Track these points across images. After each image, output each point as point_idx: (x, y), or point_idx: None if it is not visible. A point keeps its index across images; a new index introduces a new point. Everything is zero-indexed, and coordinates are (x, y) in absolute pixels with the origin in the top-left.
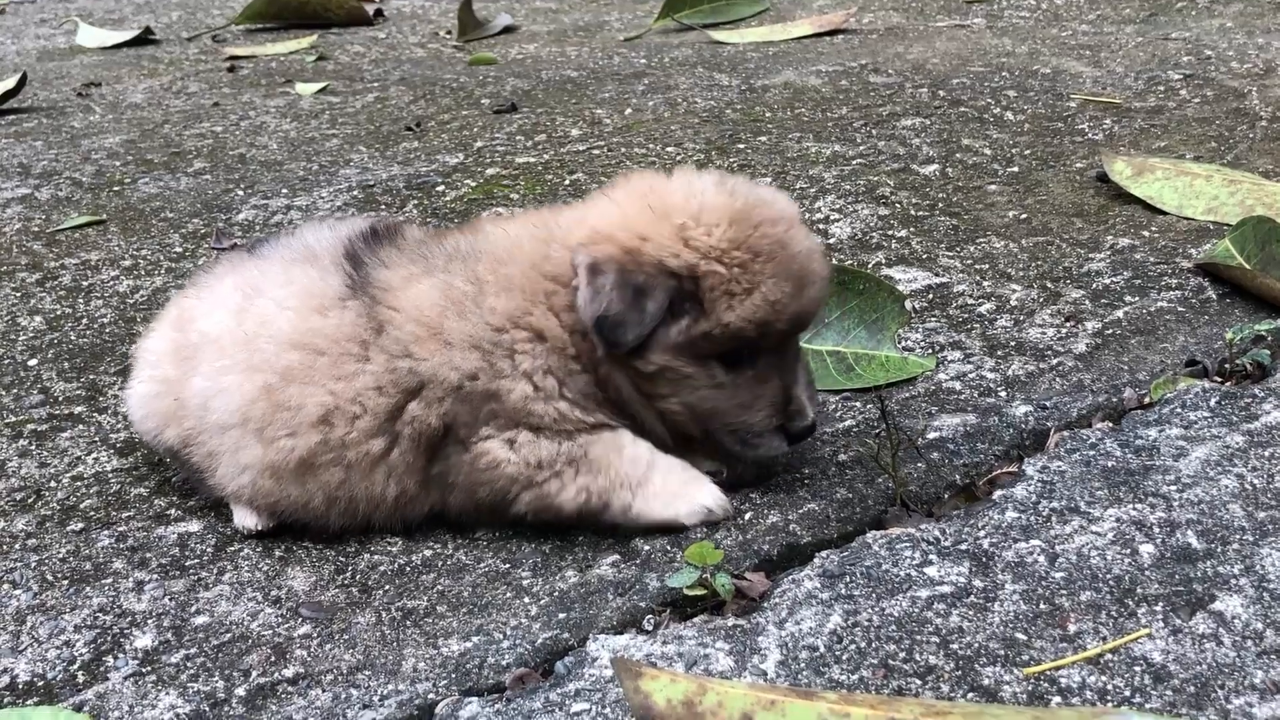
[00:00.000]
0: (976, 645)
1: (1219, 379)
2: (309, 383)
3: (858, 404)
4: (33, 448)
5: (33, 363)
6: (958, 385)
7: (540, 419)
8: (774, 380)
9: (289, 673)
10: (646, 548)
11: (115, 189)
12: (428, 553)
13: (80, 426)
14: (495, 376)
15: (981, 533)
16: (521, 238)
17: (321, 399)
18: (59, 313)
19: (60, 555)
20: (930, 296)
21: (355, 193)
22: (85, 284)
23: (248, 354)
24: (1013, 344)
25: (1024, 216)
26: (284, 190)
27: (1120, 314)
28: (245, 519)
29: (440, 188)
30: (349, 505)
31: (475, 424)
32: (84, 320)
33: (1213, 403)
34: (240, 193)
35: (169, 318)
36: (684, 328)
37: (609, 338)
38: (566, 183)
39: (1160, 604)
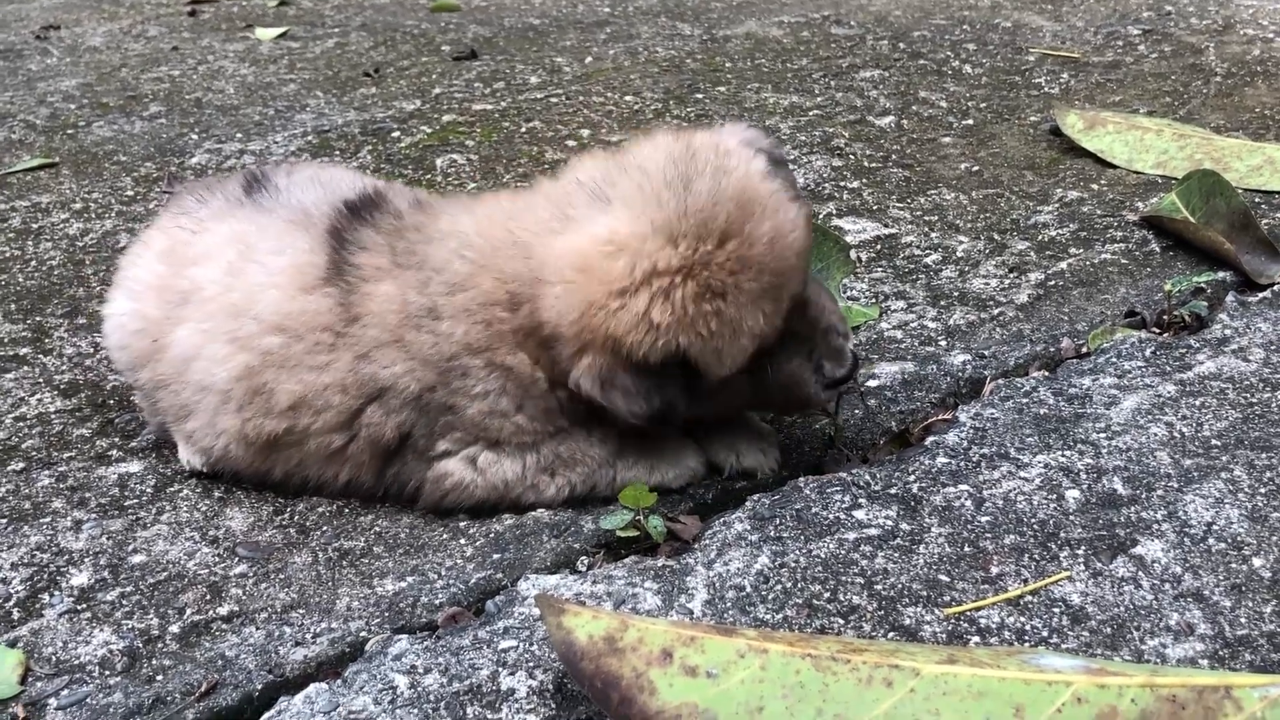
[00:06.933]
0: (900, 586)
1: (1157, 330)
2: (284, 368)
3: None
4: None
5: None
6: (899, 334)
7: (498, 433)
8: (799, 350)
9: (224, 611)
10: None
11: (69, 132)
12: None
13: (25, 368)
14: (451, 393)
15: (911, 477)
16: (480, 274)
17: (292, 388)
18: (7, 255)
19: None
20: (878, 247)
21: (310, 138)
22: (35, 226)
23: (234, 325)
24: (956, 294)
25: (976, 169)
26: (238, 134)
27: (1064, 265)
28: (192, 457)
29: (396, 134)
30: (302, 482)
31: (433, 435)
32: (32, 263)
33: (1148, 353)
34: (195, 136)
35: (157, 247)
36: (692, 384)
37: (663, 422)
38: (523, 130)
39: (1082, 548)
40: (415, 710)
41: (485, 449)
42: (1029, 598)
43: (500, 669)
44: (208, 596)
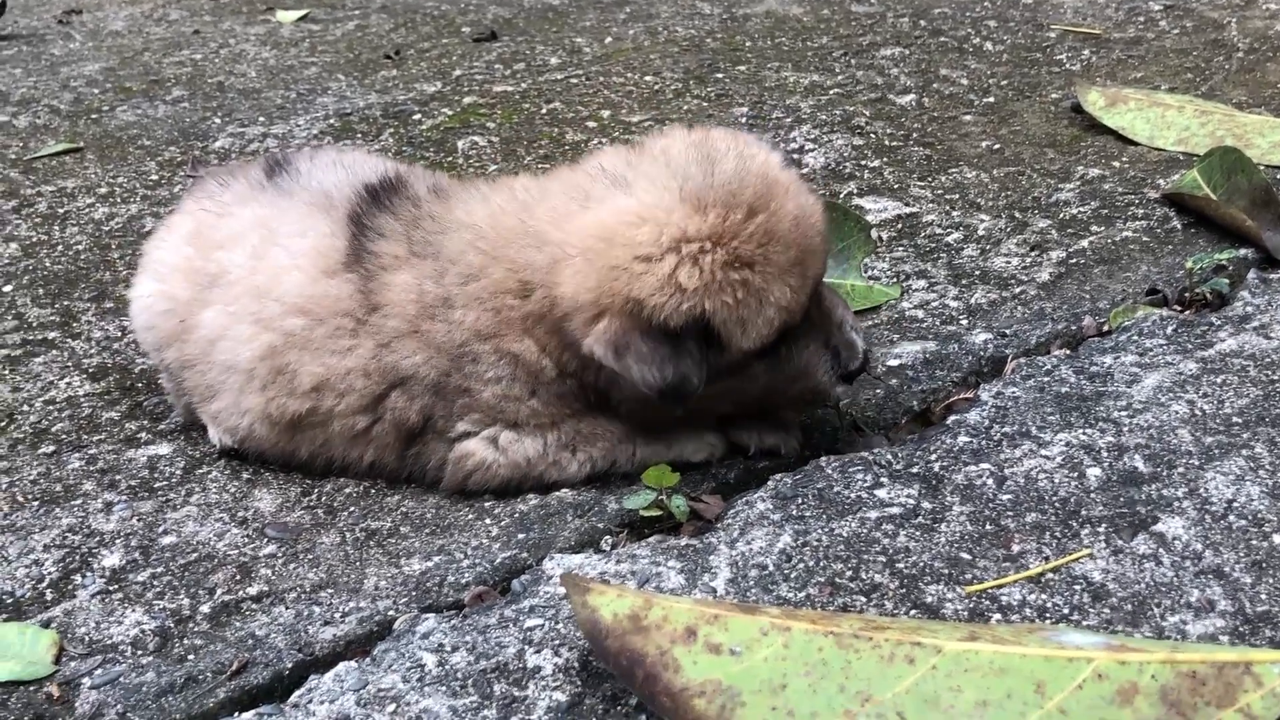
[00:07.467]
0: (922, 564)
1: (1179, 307)
2: (306, 349)
3: None
4: (5, 372)
5: (7, 289)
6: (920, 314)
7: (515, 415)
8: (816, 337)
9: (253, 591)
10: None
11: (93, 116)
12: None
13: (54, 352)
14: (465, 378)
15: (933, 456)
16: (492, 264)
17: (315, 370)
18: (34, 239)
19: (31, 477)
20: (899, 226)
21: (332, 121)
22: (61, 211)
23: (258, 307)
24: (977, 273)
25: (997, 147)
26: (261, 118)
27: (1085, 243)
28: (222, 436)
29: (417, 116)
30: (327, 463)
31: (452, 416)
32: (59, 247)
33: (1169, 330)
34: (217, 120)
35: (183, 230)
36: (709, 360)
37: (676, 398)
38: (543, 111)
39: (1104, 525)
40: (443, 688)
41: (505, 428)
42: (1050, 575)
43: (527, 647)
44: (237, 577)
